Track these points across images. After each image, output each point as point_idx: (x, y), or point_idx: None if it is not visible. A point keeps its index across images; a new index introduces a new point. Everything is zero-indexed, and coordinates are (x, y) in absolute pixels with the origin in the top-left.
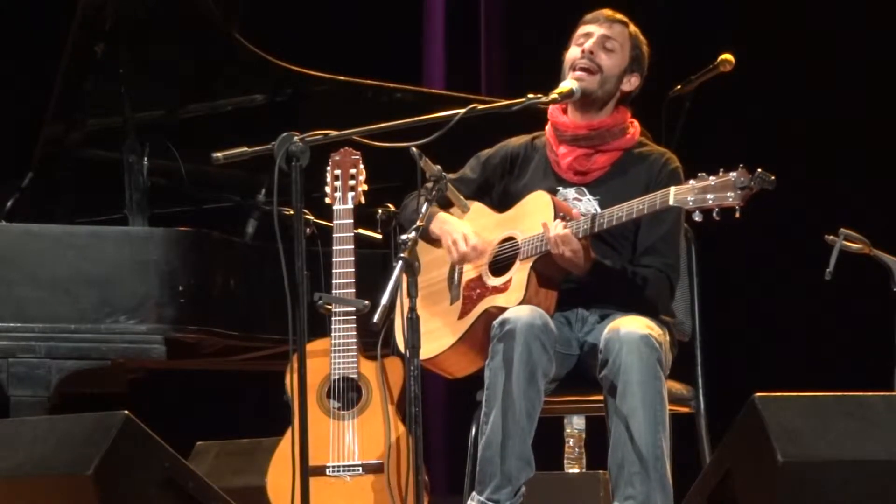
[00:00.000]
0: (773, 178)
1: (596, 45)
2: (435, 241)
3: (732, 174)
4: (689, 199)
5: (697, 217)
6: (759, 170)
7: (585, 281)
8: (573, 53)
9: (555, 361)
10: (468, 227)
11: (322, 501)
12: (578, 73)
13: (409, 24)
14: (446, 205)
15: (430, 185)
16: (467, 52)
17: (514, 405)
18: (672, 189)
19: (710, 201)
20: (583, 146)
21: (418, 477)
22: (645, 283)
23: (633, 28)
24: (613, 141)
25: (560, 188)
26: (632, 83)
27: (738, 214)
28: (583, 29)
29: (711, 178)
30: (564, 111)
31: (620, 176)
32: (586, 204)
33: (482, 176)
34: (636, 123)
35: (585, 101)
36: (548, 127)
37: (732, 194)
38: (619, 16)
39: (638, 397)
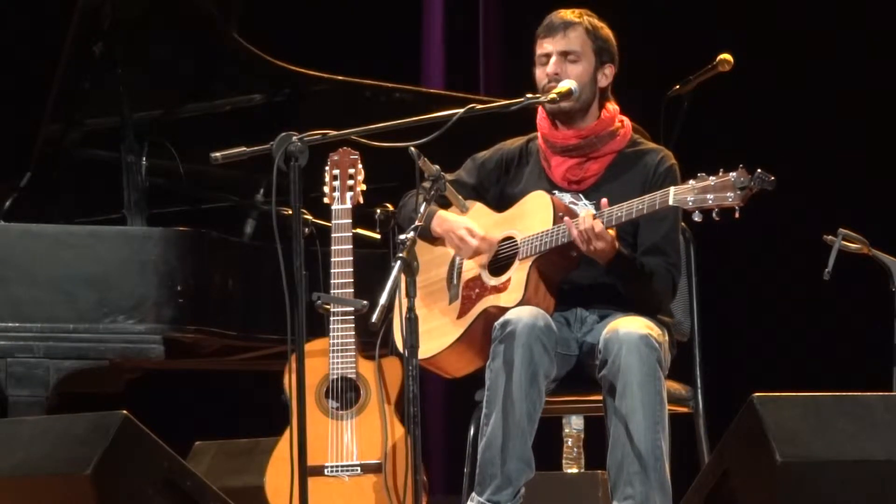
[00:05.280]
0: (772, 178)
1: (557, 64)
2: (435, 241)
3: (732, 174)
4: (688, 199)
5: (697, 217)
6: (759, 170)
7: (592, 273)
8: (539, 75)
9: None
10: (470, 221)
11: (320, 501)
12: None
13: (408, 24)
14: (445, 205)
15: (428, 184)
16: (466, 51)
17: (515, 407)
18: (672, 189)
19: (710, 201)
20: (574, 156)
21: (417, 477)
22: (653, 278)
23: (588, 21)
24: (604, 146)
25: (556, 192)
26: (607, 75)
27: (737, 215)
28: (541, 48)
29: (711, 178)
30: (552, 122)
31: (615, 179)
32: (581, 209)
33: (478, 179)
34: (626, 121)
35: (569, 115)
36: (539, 132)
37: (732, 194)
38: (570, 16)
39: (638, 398)
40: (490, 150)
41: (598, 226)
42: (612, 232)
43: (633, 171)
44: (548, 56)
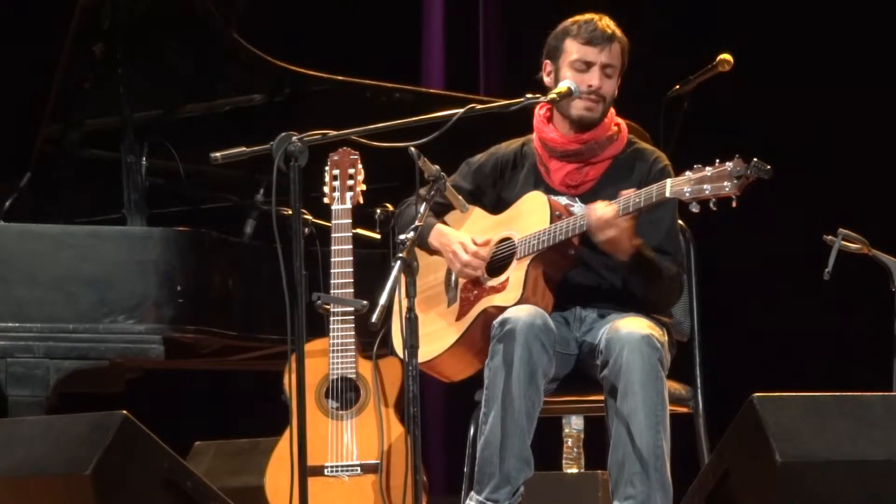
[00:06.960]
0: (768, 167)
1: (600, 77)
2: (434, 252)
3: (728, 164)
4: (685, 190)
5: (694, 208)
6: (755, 159)
7: (591, 272)
8: (576, 79)
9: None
10: (466, 237)
11: (320, 501)
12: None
13: (409, 24)
14: (445, 206)
15: (428, 185)
16: (466, 52)
17: (514, 405)
18: (668, 181)
19: (707, 192)
20: (574, 160)
21: (417, 477)
22: (671, 279)
23: (620, 36)
24: (603, 151)
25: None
26: (617, 87)
27: (734, 204)
28: (581, 53)
29: (707, 168)
30: (550, 120)
31: (611, 184)
32: (578, 210)
33: (474, 183)
34: (622, 125)
35: (587, 125)
36: (535, 136)
37: (729, 184)
38: (611, 29)
39: (639, 398)
40: (485, 153)
41: (611, 211)
42: (630, 222)
43: (629, 175)
44: (587, 64)
